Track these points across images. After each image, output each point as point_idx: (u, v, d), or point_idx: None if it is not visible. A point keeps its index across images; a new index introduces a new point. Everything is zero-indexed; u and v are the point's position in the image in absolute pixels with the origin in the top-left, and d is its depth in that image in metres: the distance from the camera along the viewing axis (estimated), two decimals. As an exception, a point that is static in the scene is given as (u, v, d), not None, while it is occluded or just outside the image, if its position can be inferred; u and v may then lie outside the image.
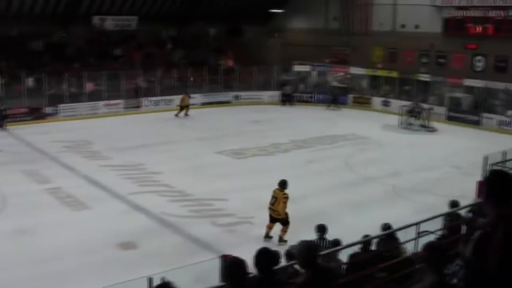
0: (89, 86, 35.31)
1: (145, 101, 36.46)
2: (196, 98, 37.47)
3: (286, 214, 15.42)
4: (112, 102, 35.24)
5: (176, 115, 34.63)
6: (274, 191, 15.54)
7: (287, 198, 15.37)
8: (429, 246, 5.77)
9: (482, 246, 3.54)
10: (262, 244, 6.51)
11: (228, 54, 42.55)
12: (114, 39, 39.19)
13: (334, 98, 39.35)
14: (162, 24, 41.42)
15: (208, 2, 42.10)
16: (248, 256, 5.71)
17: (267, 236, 15.48)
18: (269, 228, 15.57)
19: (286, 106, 39.66)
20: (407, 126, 32.67)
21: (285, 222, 15.45)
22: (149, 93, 36.95)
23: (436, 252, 5.68)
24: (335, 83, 42.13)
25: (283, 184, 15.55)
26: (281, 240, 15.25)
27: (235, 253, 6.82)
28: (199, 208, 18.07)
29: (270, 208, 15.52)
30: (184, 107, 34.88)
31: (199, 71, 38.98)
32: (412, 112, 33.04)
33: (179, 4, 41.18)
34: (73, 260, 13.86)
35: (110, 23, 39.36)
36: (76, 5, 37.22)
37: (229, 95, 39.64)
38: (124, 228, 16.13)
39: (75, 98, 34.51)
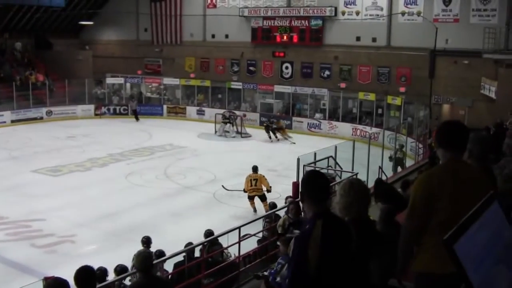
0: None
1: None
2: (5, 115, 35.65)
3: (270, 187, 18.56)
4: None
5: (287, 138, 31.93)
6: (251, 175, 18.58)
7: (264, 175, 18.72)
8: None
9: (303, 244, 3.74)
10: (84, 262, 6.45)
11: (37, 68, 40.94)
12: None
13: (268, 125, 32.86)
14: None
15: (14, 14, 40.23)
16: (71, 275, 5.66)
17: (255, 210, 18.45)
18: (252, 204, 18.60)
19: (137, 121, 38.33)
20: (223, 134, 33.35)
21: (263, 197, 18.28)
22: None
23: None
24: (149, 94, 42.16)
25: (255, 169, 18.91)
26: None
27: (58, 273, 6.71)
28: (16, 231, 17.18)
29: (253, 190, 18.40)
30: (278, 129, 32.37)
31: (7, 87, 36.99)
32: (226, 120, 33.74)
33: (-19, 17, 39.03)
34: None
35: None
36: None
37: (41, 111, 37.92)
38: None
39: None
